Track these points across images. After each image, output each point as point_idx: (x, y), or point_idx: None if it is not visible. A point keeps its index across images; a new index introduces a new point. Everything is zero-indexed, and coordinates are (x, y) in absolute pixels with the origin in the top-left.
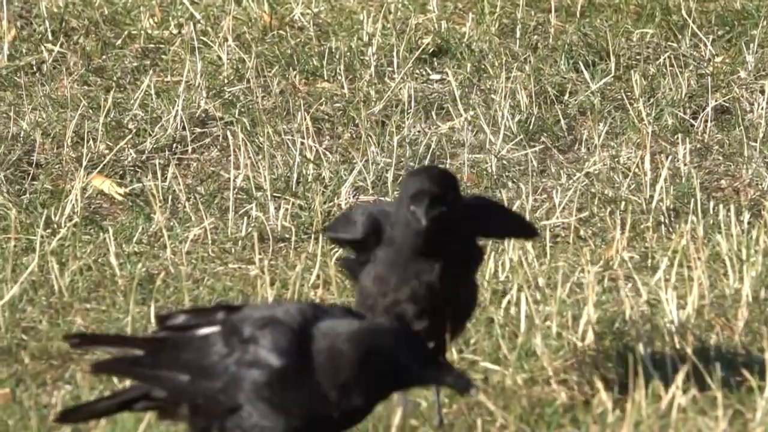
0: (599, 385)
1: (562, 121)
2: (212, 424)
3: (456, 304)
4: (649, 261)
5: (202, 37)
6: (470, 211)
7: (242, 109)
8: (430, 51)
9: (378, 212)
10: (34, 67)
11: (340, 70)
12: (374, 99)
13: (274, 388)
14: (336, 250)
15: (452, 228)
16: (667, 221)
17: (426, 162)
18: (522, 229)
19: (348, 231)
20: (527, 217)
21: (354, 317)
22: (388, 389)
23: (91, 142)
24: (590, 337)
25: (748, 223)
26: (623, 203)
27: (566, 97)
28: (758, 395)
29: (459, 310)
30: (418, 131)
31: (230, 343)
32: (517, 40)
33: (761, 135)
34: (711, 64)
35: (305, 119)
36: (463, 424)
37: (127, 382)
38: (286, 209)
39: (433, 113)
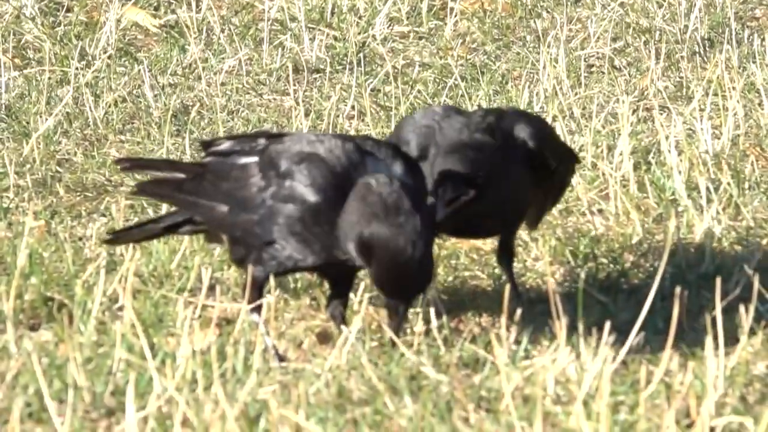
0: (634, 215)
1: None
2: (250, 254)
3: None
4: (684, 90)
5: None
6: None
7: None
8: None
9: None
10: None
11: None
12: None
13: (306, 223)
14: (371, 82)
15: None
16: (701, 51)
17: None
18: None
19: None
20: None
21: (402, 160)
22: None
23: None
24: (625, 167)
25: None
26: (658, 33)
27: None
28: None
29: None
30: None
31: (267, 176)
32: None
33: None
34: None
35: None
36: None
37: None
38: (321, 40)
39: None
